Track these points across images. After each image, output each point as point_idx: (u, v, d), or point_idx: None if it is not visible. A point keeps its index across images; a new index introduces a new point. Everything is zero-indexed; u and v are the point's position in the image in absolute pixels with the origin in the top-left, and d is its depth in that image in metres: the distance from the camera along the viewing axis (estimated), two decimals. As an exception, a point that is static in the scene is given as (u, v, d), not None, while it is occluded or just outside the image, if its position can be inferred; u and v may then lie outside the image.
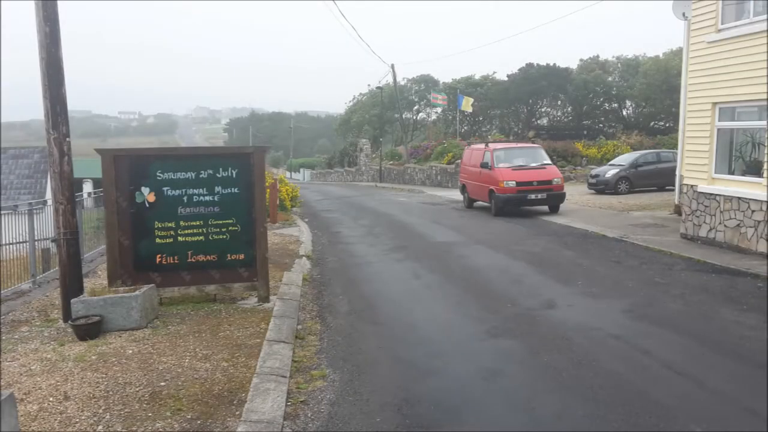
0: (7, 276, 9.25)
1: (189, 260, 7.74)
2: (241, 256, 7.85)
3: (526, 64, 47.86)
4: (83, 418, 4.56)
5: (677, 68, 31.39)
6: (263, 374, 5.28)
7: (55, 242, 7.52)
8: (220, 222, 7.79)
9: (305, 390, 5.19)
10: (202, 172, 7.74)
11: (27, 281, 9.42)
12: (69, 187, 7.22)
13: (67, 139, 7.20)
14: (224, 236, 7.80)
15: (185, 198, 7.71)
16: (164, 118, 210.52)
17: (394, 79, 43.93)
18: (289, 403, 4.87)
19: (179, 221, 7.70)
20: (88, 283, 8.16)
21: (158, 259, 7.67)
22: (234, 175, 7.80)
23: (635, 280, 8.86)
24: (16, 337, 6.65)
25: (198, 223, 7.75)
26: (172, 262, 7.70)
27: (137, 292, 6.88)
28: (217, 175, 7.77)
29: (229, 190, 7.80)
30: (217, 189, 7.77)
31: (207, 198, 7.75)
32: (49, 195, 8.76)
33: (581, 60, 51.00)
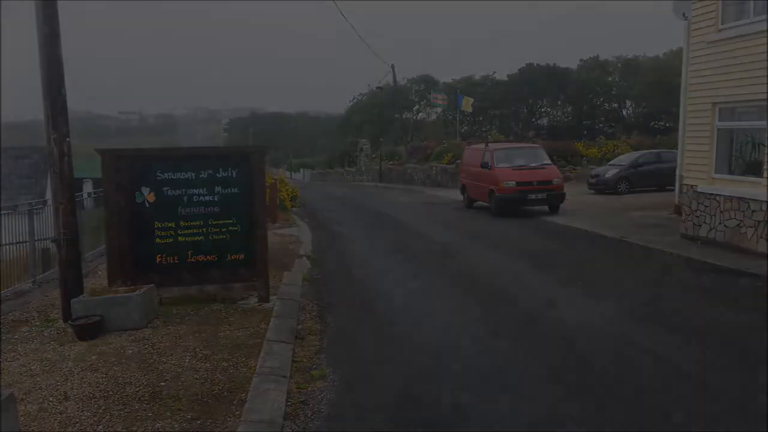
0: (7, 276, 9.24)
1: (189, 260, 7.74)
2: (241, 256, 7.85)
3: (526, 64, 48.04)
4: (83, 418, 4.56)
5: (677, 68, 31.33)
6: (263, 374, 5.28)
7: (55, 242, 7.52)
8: (220, 222, 7.79)
9: (305, 390, 5.19)
10: (202, 172, 7.73)
11: (27, 281, 9.42)
12: (69, 187, 7.22)
13: (67, 139, 7.19)
14: (224, 236, 7.80)
15: (185, 198, 7.70)
16: (164, 118, 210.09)
17: (394, 79, 43.96)
18: (289, 403, 4.87)
19: (179, 221, 7.70)
20: (88, 283, 8.15)
21: (158, 259, 7.67)
22: (234, 175, 7.80)
23: (635, 280, 8.86)
24: (16, 337, 6.65)
25: (198, 223, 7.74)
26: (172, 262, 7.70)
27: (137, 292, 6.88)
28: (217, 175, 7.76)
29: (229, 190, 7.80)
30: (217, 189, 7.76)
31: (207, 198, 7.75)
32: (49, 195, 8.74)
33: (581, 60, 51.18)
